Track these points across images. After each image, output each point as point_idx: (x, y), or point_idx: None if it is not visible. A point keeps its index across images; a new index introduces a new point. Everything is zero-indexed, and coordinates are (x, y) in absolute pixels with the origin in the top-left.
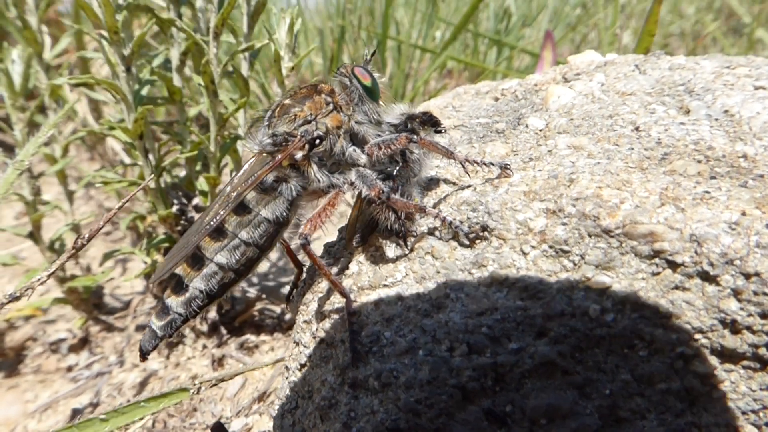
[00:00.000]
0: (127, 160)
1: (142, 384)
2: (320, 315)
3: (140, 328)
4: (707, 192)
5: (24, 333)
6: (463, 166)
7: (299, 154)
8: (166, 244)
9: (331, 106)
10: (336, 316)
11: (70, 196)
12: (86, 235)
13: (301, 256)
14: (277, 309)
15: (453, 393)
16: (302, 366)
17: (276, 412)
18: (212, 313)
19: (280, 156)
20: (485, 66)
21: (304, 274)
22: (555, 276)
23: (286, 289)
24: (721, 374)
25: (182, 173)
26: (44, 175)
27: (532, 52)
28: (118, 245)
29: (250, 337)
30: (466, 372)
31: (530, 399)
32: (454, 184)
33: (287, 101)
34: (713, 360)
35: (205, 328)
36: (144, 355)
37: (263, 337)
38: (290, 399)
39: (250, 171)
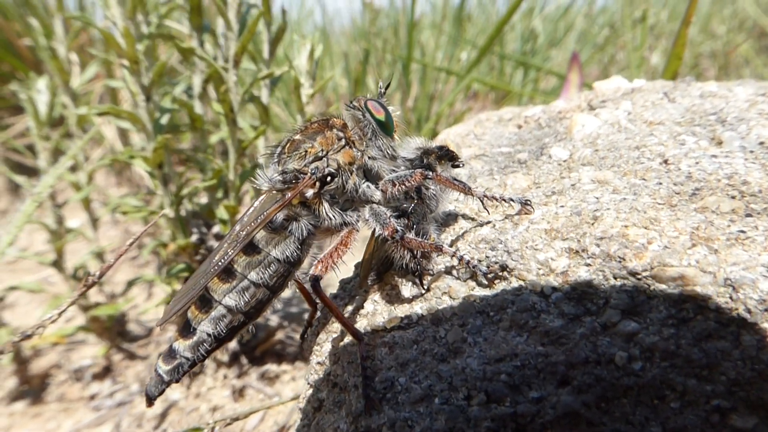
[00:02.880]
0: (152, 185)
1: (163, 415)
2: (334, 357)
3: None
4: (743, 231)
5: (49, 360)
6: (482, 202)
7: (310, 192)
8: (186, 273)
9: (343, 142)
10: (349, 359)
11: (94, 222)
12: (98, 273)
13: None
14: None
15: None
16: (315, 410)
17: None
18: (233, 343)
19: (290, 194)
20: (511, 88)
21: (318, 313)
22: (578, 320)
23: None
24: (762, 429)
25: (203, 201)
26: (68, 203)
27: (558, 74)
28: (142, 270)
29: (271, 367)
30: (484, 423)
31: None
32: (473, 219)
33: (297, 137)
34: (753, 417)
35: (226, 357)
36: (151, 401)
37: (284, 366)
38: None
39: (260, 209)
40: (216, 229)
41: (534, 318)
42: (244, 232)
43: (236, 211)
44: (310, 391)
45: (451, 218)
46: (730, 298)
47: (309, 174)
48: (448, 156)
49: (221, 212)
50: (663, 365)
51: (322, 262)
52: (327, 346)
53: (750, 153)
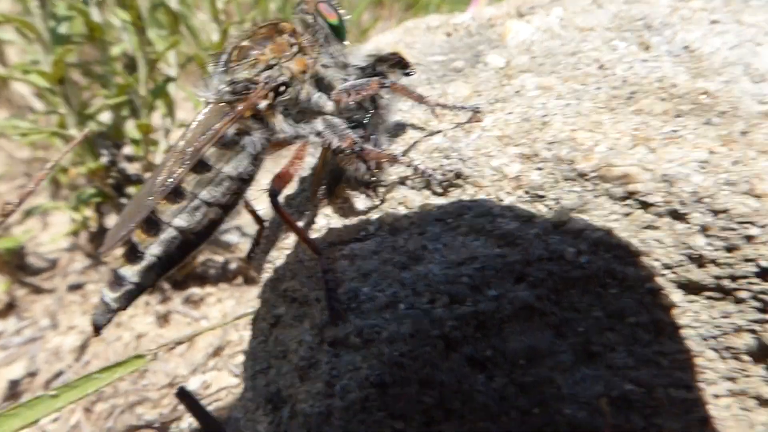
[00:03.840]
0: (39, 106)
1: (82, 347)
2: (290, 272)
3: (73, 288)
4: (675, 131)
5: None
6: (433, 112)
7: (263, 103)
8: (98, 199)
9: (295, 48)
10: (308, 273)
11: None
12: (17, 200)
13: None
14: (220, 258)
15: (436, 343)
16: (272, 326)
17: (245, 373)
18: None
19: (241, 106)
20: None
21: (266, 230)
22: (531, 221)
23: (228, 237)
24: (685, 305)
25: (107, 120)
26: None
27: None
28: (35, 201)
29: (195, 290)
30: (448, 323)
31: (510, 342)
32: (422, 129)
33: (246, 43)
34: (679, 293)
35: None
36: (98, 330)
37: (208, 288)
38: (261, 360)
39: (206, 123)
40: (127, 149)
41: (490, 222)
42: (191, 149)
43: (149, 130)
44: (264, 308)
45: (399, 128)
46: (668, 192)
47: (262, 83)
48: (400, 64)
49: (131, 131)
50: (606, 257)
51: (279, 176)
52: (280, 262)
53: (676, 57)
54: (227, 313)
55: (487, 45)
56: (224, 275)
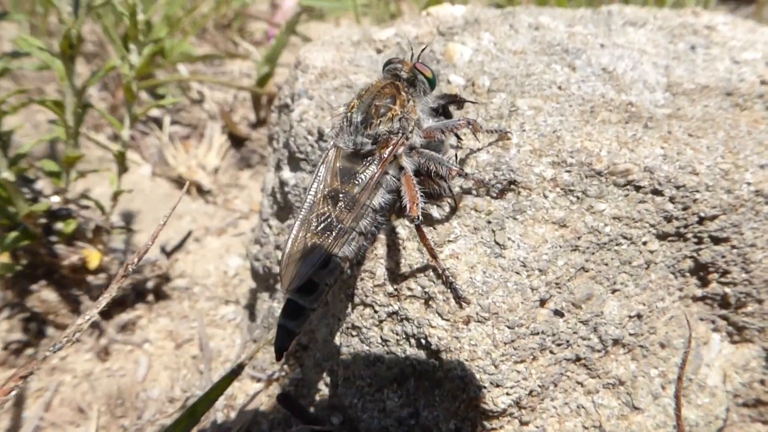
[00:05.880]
0: None
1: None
2: (399, 277)
3: None
4: (634, 135)
5: None
6: (475, 135)
7: (400, 150)
8: (26, 242)
9: (411, 102)
10: (424, 274)
11: None
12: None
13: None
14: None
15: (537, 303)
16: (381, 322)
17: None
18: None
19: (386, 153)
20: None
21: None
22: (569, 208)
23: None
24: (659, 248)
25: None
26: None
27: None
28: None
29: (123, 316)
30: (542, 288)
31: (574, 283)
32: (458, 147)
33: (378, 102)
34: (656, 241)
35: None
36: (281, 355)
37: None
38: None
39: (343, 169)
40: (40, 184)
41: (544, 212)
42: (364, 199)
43: (77, 160)
44: (367, 310)
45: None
46: (650, 178)
47: (399, 134)
48: (457, 101)
49: (47, 164)
50: (619, 225)
51: (412, 205)
52: (380, 271)
53: (599, 77)
54: (172, 331)
55: (436, 64)
56: (141, 296)
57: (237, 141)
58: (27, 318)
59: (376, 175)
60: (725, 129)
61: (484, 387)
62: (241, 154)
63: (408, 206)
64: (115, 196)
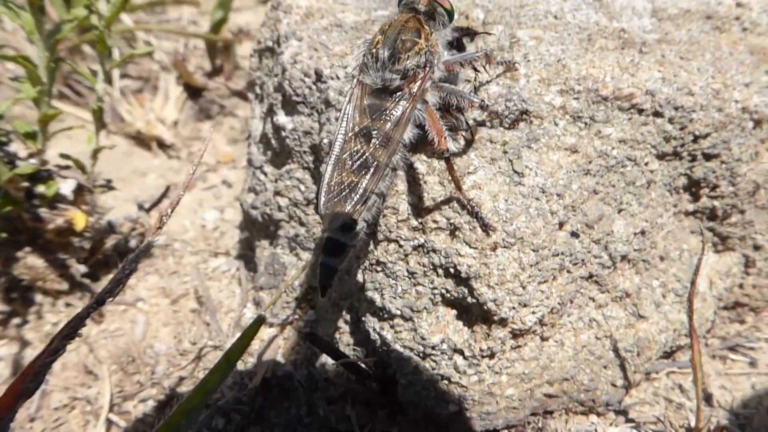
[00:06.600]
0: None
1: None
2: (423, 211)
3: None
4: (632, 60)
5: None
6: (485, 68)
7: (429, 83)
8: (9, 208)
9: (434, 35)
10: (449, 205)
11: None
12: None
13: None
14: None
15: (554, 229)
16: (406, 255)
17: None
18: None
19: (416, 88)
20: None
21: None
22: (579, 134)
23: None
24: (658, 168)
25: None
26: None
27: None
28: None
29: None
30: (560, 212)
31: (587, 205)
32: (468, 81)
33: (404, 36)
34: (656, 161)
35: (65, 286)
36: (325, 292)
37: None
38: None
39: (371, 105)
40: (13, 147)
41: (557, 139)
42: (398, 135)
43: (52, 118)
44: (392, 245)
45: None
46: (652, 100)
47: (426, 68)
48: (470, 34)
49: (19, 124)
50: (624, 147)
51: (440, 137)
52: (404, 207)
53: (590, 5)
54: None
55: None
56: (123, 256)
57: (193, 92)
58: (10, 287)
59: (408, 111)
60: (711, 51)
61: (514, 308)
62: (199, 105)
63: (436, 140)
64: (95, 154)
